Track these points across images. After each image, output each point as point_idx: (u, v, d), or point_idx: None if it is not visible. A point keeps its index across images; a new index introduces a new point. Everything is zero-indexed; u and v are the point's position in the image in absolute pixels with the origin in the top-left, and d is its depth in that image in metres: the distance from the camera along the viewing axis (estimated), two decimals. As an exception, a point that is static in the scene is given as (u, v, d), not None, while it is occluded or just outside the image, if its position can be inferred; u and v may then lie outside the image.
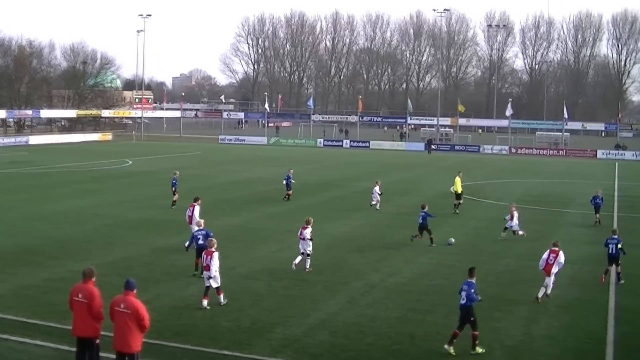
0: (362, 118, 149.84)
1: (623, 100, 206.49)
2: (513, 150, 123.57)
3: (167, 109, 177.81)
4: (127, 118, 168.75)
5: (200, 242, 27.81)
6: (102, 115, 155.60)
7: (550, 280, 26.49)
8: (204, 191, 51.66)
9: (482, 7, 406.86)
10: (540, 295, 26.18)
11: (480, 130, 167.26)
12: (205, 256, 24.59)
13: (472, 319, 20.83)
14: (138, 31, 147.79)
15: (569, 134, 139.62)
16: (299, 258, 30.07)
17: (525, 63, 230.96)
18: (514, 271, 31.31)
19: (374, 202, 49.18)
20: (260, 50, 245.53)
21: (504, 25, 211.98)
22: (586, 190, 63.69)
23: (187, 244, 30.61)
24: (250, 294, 25.93)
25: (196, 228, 32.62)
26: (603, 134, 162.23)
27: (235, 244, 35.36)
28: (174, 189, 47.64)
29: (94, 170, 73.30)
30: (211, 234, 27.71)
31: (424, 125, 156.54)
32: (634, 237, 38.59)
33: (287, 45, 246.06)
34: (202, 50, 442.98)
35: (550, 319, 24.23)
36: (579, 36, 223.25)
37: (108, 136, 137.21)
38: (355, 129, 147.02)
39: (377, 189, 49.11)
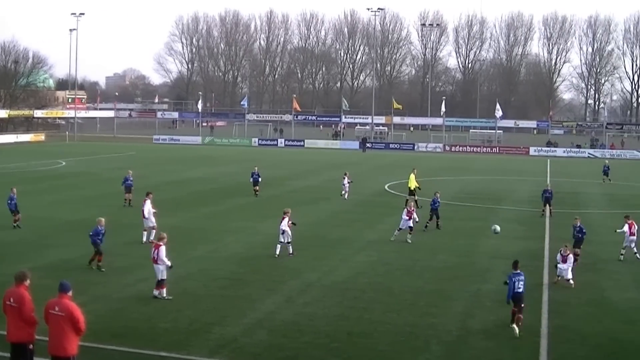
0: (297, 117, 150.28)
1: (554, 99, 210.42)
2: (447, 148, 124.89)
3: (100, 109, 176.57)
4: (60, 118, 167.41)
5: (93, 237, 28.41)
6: (35, 115, 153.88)
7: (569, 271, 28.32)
8: (138, 192, 51.20)
9: (416, 7, 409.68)
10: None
11: (412, 128, 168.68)
12: (153, 250, 25.20)
13: (522, 305, 22.99)
14: (71, 30, 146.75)
15: (502, 131, 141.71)
16: (278, 248, 32.69)
17: (458, 62, 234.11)
18: (450, 267, 31.69)
19: (343, 192, 52.99)
20: (194, 50, 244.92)
21: (438, 25, 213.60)
22: (519, 187, 64.73)
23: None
24: (188, 295, 25.83)
25: (151, 223, 34.81)
26: (535, 132, 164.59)
27: (171, 244, 34.78)
28: (124, 187, 48.78)
29: (27, 171, 72.42)
30: (99, 236, 27.97)
31: (360, 124, 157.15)
32: (566, 231, 39.10)
33: (222, 45, 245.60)
34: (136, 50, 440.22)
35: (486, 313, 24.61)
36: (511, 35, 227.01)
37: (41, 137, 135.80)
38: (290, 128, 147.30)
39: (345, 179, 53.20)
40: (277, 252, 32.75)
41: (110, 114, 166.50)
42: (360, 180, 65.42)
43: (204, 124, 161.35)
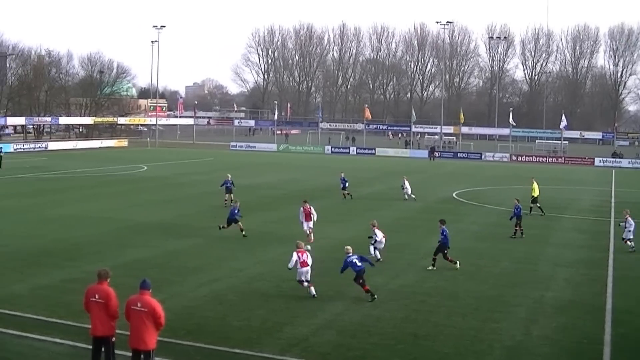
0: (368, 126, 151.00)
1: (619, 110, 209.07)
2: (514, 158, 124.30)
3: (180, 117, 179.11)
4: (142, 125, 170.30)
5: (359, 264, 27.53)
6: (118, 122, 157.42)
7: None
8: (214, 195, 52.47)
9: (484, 20, 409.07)
10: None
11: (454, 138, 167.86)
12: (300, 255, 26.70)
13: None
14: (152, 42, 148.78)
15: (567, 142, 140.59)
16: (377, 253, 33.74)
17: (525, 73, 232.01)
18: (512, 274, 31.92)
19: (407, 196, 57.00)
20: (270, 61, 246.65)
21: (505, 37, 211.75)
22: (583, 197, 64.36)
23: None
24: (260, 295, 26.48)
25: (306, 225, 37.61)
26: (600, 143, 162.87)
27: (244, 246, 36.04)
28: (226, 188, 51.36)
29: (110, 175, 74.45)
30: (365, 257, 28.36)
31: (428, 133, 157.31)
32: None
33: (296, 56, 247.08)
34: (214, 60, 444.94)
35: (548, 319, 24.72)
36: (577, 48, 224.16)
37: (124, 142, 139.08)
38: (361, 136, 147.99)
39: (407, 183, 57.52)
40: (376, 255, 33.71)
41: (190, 121, 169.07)
42: (426, 188, 65.99)
43: (279, 132, 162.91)
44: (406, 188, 57.97)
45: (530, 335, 22.99)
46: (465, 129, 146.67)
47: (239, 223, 38.93)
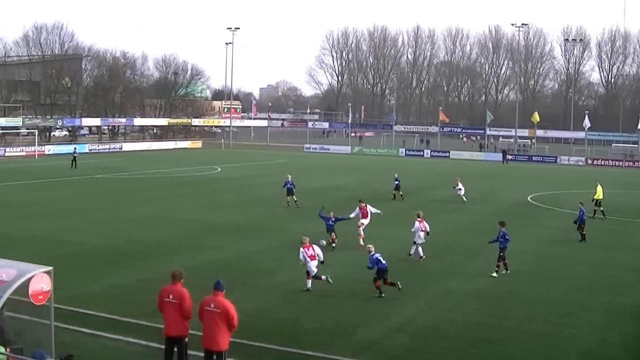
0: (443, 129, 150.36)
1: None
2: (589, 162, 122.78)
3: (254, 119, 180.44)
4: (216, 127, 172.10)
5: (383, 262, 27.61)
6: (192, 123, 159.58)
7: None
8: (284, 197, 52.47)
9: (559, 22, 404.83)
10: None
11: (534, 141, 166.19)
12: (306, 250, 27.37)
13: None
14: (227, 44, 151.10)
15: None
16: (413, 249, 34.26)
17: (601, 76, 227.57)
18: (588, 279, 31.45)
19: (464, 198, 57.43)
20: (344, 63, 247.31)
21: (581, 40, 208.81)
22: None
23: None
24: (333, 297, 26.44)
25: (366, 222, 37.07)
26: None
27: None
28: (288, 190, 51.70)
29: (184, 176, 75.33)
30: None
31: (502, 136, 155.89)
32: None
33: (370, 58, 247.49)
34: (288, 62, 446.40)
35: (625, 326, 24.34)
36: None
37: (198, 144, 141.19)
38: (435, 139, 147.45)
39: (460, 184, 57.76)
40: (418, 253, 34.00)
41: (264, 123, 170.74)
42: (500, 191, 65.39)
43: (353, 134, 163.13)
44: (460, 189, 58.31)
45: (606, 342, 22.63)
46: (540, 132, 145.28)
47: (332, 234, 37.28)
